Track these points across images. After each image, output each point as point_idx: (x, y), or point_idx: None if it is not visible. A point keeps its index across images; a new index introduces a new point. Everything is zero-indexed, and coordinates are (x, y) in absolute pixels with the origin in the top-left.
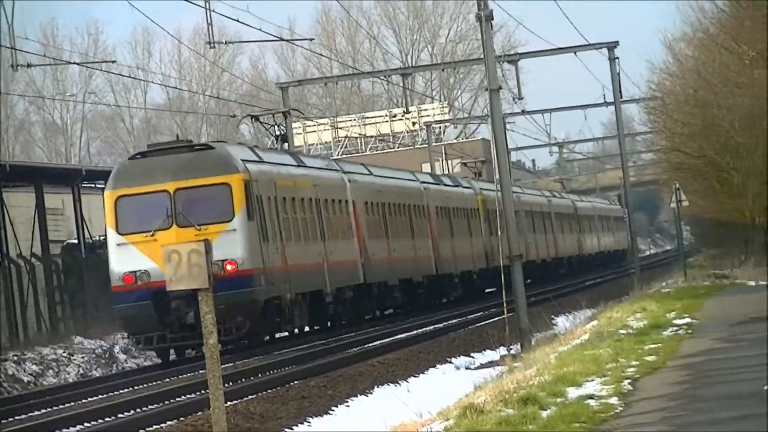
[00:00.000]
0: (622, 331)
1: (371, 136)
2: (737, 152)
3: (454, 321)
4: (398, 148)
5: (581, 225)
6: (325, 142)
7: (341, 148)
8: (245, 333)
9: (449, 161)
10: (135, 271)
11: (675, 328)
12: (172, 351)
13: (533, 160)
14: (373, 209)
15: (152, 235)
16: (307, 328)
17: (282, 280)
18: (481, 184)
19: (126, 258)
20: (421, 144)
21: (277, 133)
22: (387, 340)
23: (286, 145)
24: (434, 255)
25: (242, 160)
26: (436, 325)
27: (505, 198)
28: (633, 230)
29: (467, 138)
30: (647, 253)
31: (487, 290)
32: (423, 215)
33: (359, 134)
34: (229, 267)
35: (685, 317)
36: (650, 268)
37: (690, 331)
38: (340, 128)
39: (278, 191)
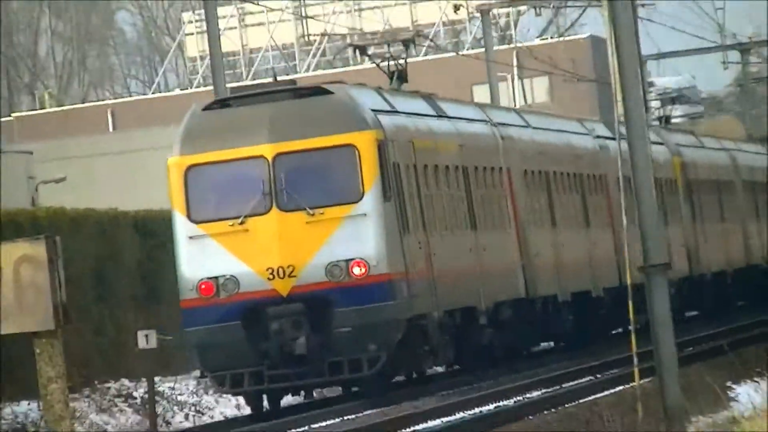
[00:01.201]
0: None
1: (373, 33)
2: None
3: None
4: (427, 53)
5: None
6: (284, 46)
7: (314, 55)
8: (380, 369)
9: (530, 82)
10: (217, 277)
11: None
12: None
13: (693, 78)
14: (535, 182)
15: (242, 223)
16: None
17: (427, 290)
18: (675, 137)
19: (203, 257)
20: (471, 46)
21: (394, 69)
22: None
23: (405, 86)
24: (617, 255)
25: (372, 110)
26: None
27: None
28: None
29: (560, 38)
30: None
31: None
32: (601, 190)
33: (351, 30)
34: (357, 270)
35: None
36: None
37: None
38: (314, 18)
39: (417, 156)
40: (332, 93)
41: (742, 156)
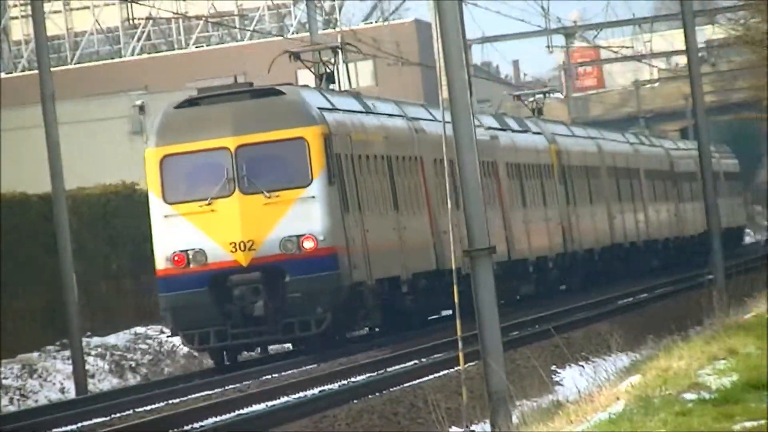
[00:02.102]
0: (688, 396)
1: (198, 18)
2: None
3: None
4: (252, 37)
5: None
6: (108, 29)
7: (139, 39)
8: (326, 329)
9: (354, 66)
10: (187, 250)
11: None
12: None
13: (516, 64)
14: (441, 169)
15: (209, 204)
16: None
17: (363, 262)
18: (551, 126)
19: (175, 233)
20: (295, 30)
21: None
22: None
23: (332, 86)
24: (507, 234)
25: (318, 108)
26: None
27: (460, 136)
28: (710, 198)
29: (385, 21)
30: (746, 240)
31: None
32: (493, 175)
33: (175, 14)
34: (308, 244)
35: None
36: (746, 271)
37: None
38: (138, 2)
39: (353, 147)
40: (284, 93)
41: (605, 144)
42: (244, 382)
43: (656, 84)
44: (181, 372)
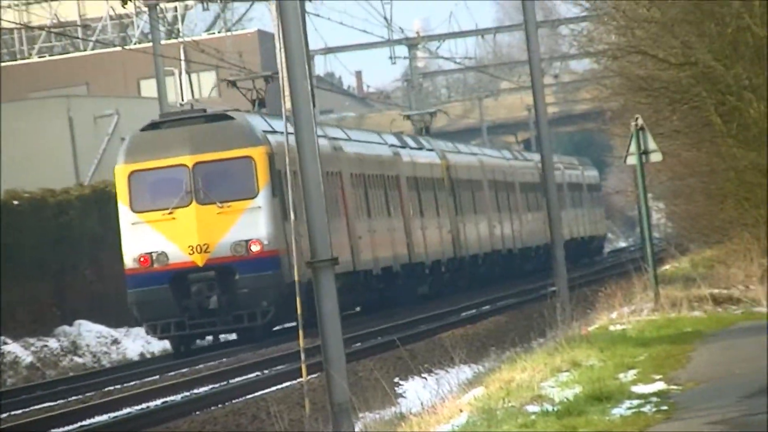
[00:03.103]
0: (531, 408)
1: (40, 29)
2: (757, 55)
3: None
4: (95, 48)
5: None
6: None
7: None
8: (270, 320)
9: (197, 76)
10: (152, 252)
11: (636, 403)
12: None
13: (359, 74)
14: (355, 181)
15: (170, 213)
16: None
17: (300, 262)
18: (440, 144)
19: (141, 238)
20: (139, 40)
21: (255, 97)
22: None
23: (264, 110)
24: (407, 239)
25: (263, 131)
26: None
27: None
28: (554, 209)
29: (228, 32)
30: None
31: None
32: (395, 187)
33: (19, 24)
34: (254, 248)
35: (655, 380)
36: (589, 282)
37: (665, 409)
38: None
39: (290, 164)
40: (234, 118)
41: (486, 159)
42: (87, 393)
43: (499, 95)
44: (23, 383)
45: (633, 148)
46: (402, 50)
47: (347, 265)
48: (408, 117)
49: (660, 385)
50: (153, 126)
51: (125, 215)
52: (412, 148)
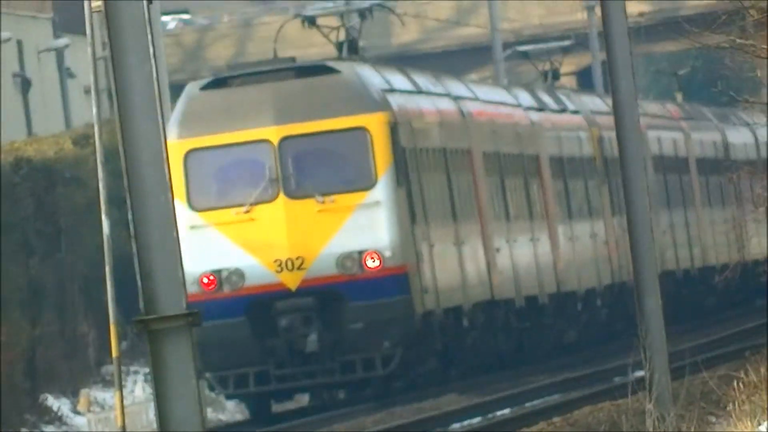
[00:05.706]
0: None
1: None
2: None
3: None
4: None
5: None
6: None
7: None
8: (396, 366)
9: None
10: (220, 270)
11: None
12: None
13: None
14: (492, 166)
15: (247, 212)
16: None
17: (433, 284)
18: (586, 99)
19: (204, 249)
20: None
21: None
22: None
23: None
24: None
25: (381, 90)
26: None
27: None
28: (640, 214)
29: None
30: None
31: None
32: (536, 173)
33: None
34: (371, 262)
35: None
36: (726, 358)
37: None
38: None
39: (416, 138)
40: (339, 72)
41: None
42: None
43: None
44: None
45: None
46: None
47: (483, 292)
48: (311, 21)
49: None
50: (218, 83)
51: (181, 215)
52: (552, 111)
